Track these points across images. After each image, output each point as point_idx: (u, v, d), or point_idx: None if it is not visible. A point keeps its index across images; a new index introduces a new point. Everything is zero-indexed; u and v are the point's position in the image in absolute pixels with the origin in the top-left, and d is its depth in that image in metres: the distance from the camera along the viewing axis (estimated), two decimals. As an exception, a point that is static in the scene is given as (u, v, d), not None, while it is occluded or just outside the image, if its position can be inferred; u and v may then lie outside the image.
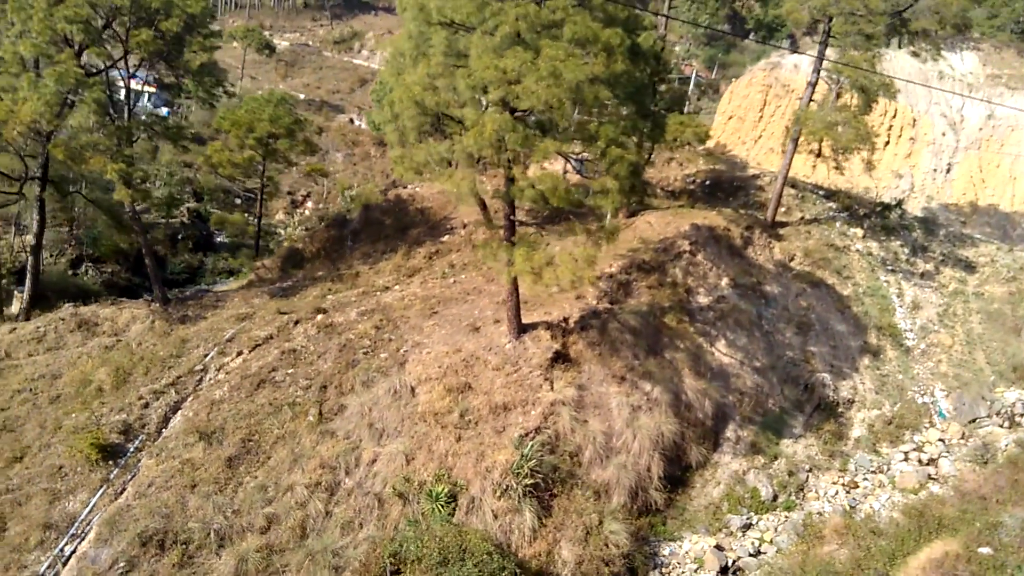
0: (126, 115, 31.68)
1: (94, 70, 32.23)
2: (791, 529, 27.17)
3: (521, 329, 29.10)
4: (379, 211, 47.29)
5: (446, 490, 23.95)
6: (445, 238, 40.59)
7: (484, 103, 22.44)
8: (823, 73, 39.14)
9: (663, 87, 37.08)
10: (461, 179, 21.74)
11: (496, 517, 23.66)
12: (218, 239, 61.35)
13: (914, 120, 54.53)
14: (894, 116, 54.56)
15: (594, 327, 30.64)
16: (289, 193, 73.85)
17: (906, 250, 44.27)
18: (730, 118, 59.84)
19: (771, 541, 26.84)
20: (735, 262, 37.72)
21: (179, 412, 27.84)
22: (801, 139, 40.06)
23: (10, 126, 26.54)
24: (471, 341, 29.20)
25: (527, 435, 25.68)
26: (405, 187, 49.00)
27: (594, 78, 20.84)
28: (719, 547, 26.22)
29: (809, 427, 32.62)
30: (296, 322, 31.97)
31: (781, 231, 41.94)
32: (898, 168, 54.13)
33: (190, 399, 28.34)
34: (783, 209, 44.08)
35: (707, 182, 46.82)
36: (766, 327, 35.82)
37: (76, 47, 28.69)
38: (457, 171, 21.93)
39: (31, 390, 30.03)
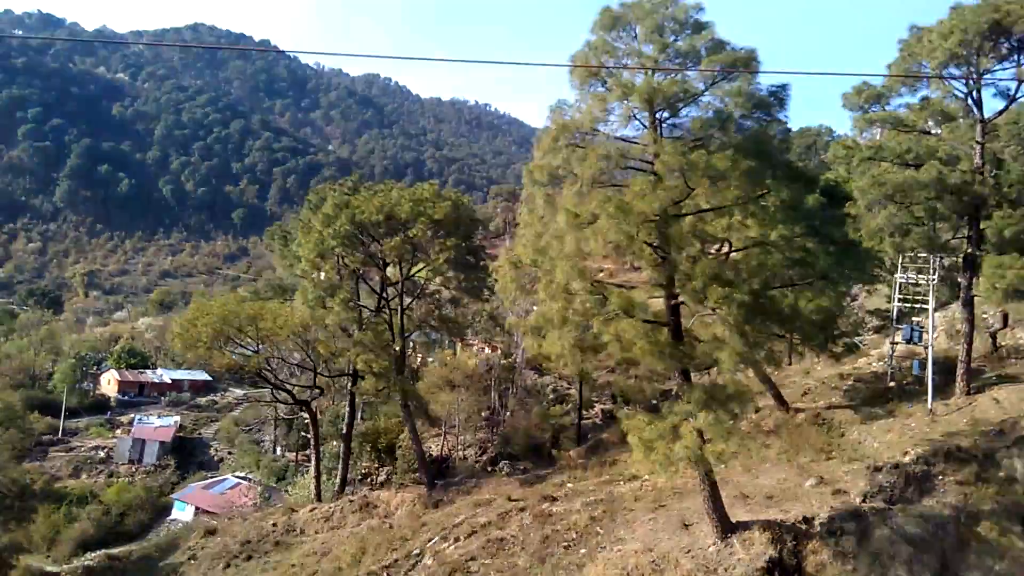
0: (399, 312, 36.55)
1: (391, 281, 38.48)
2: None
3: (730, 528, 24.07)
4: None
5: None
6: (742, 423, 36.18)
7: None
8: None
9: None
10: (557, 339, 20.05)
11: None
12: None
13: None
14: None
15: (849, 532, 23.84)
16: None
17: None
18: None
19: None
20: None
21: (383, 596, 28.74)
22: None
23: (284, 329, 32.91)
24: (671, 539, 25.08)
25: (697, 669, 20.51)
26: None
27: (677, 203, 18.24)
28: None
29: None
30: (522, 509, 31.26)
31: None
32: None
33: (397, 584, 29.13)
34: None
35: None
36: None
37: (338, 258, 34.91)
38: (553, 331, 20.31)
39: (301, 565, 34.08)
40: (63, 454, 78.38)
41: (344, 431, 40.88)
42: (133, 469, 75.99)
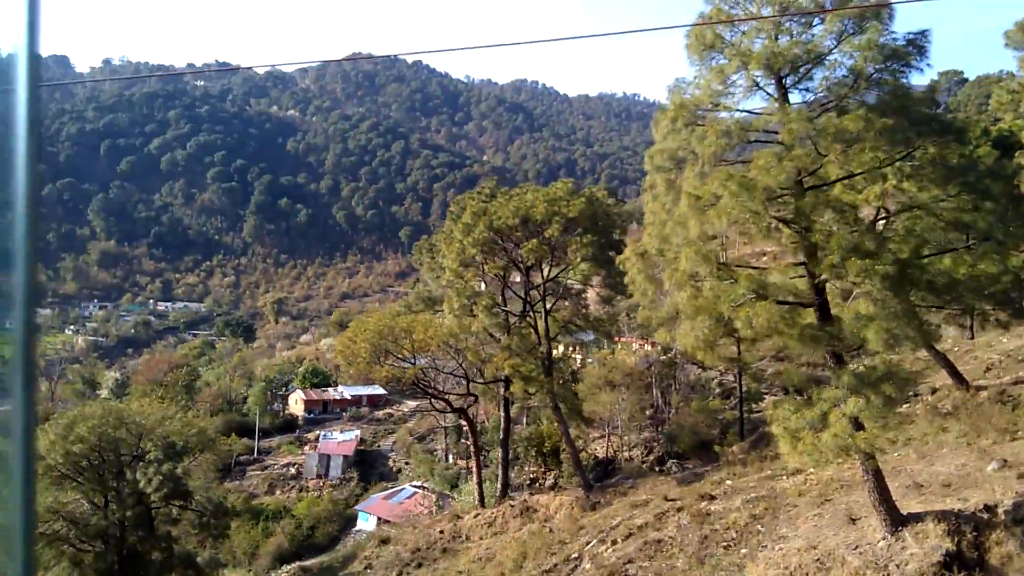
0: (543, 315, 36.64)
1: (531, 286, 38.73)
2: None
3: (900, 520, 22.07)
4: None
5: None
6: (903, 407, 33.35)
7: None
8: None
9: None
10: (690, 330, 19.17)
11: None
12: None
13: None
14: None
15: (1041, 521, 21.26)
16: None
17: None
18: None
19: None
20: None
21: (544, 601, 28.76)
22: None
23: (435, 339, 33.88)
24: (837, 535, 23.36)
25: (871, 675, 18.96)
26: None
27: (812, 172, 17.08)
28: None
29: None
30: (679, 509, 30.30)
31: None
32: None
33: (556, 588, 29.08)
34: None
35: None
36: None
37: (479, 265, 35.51)
38: (686, 322, 19.42)
39: (468, 571, 34.81)
40: (259, 472, 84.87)
41: (502, 436, 41.56)
42: (320, 483, 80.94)
